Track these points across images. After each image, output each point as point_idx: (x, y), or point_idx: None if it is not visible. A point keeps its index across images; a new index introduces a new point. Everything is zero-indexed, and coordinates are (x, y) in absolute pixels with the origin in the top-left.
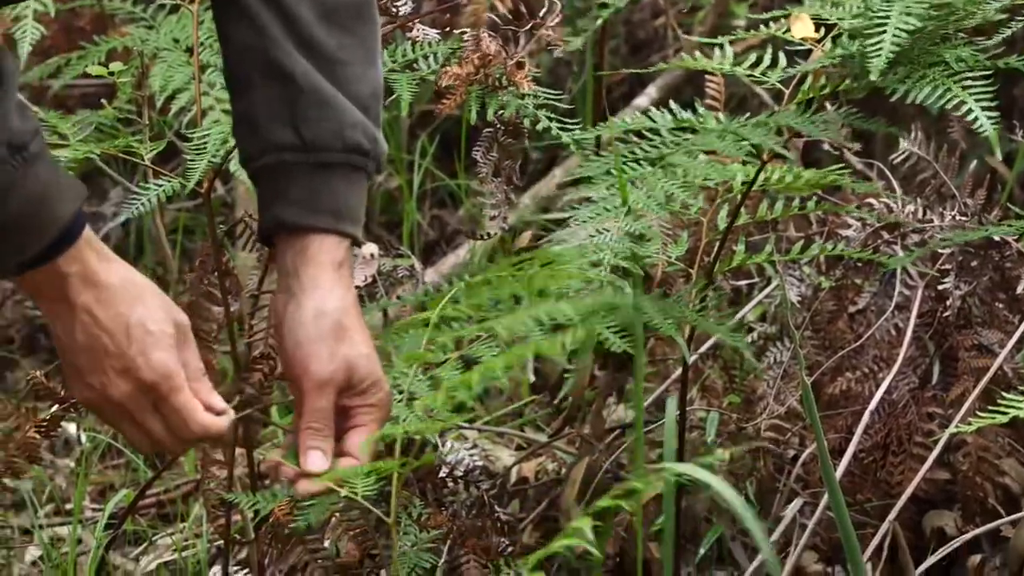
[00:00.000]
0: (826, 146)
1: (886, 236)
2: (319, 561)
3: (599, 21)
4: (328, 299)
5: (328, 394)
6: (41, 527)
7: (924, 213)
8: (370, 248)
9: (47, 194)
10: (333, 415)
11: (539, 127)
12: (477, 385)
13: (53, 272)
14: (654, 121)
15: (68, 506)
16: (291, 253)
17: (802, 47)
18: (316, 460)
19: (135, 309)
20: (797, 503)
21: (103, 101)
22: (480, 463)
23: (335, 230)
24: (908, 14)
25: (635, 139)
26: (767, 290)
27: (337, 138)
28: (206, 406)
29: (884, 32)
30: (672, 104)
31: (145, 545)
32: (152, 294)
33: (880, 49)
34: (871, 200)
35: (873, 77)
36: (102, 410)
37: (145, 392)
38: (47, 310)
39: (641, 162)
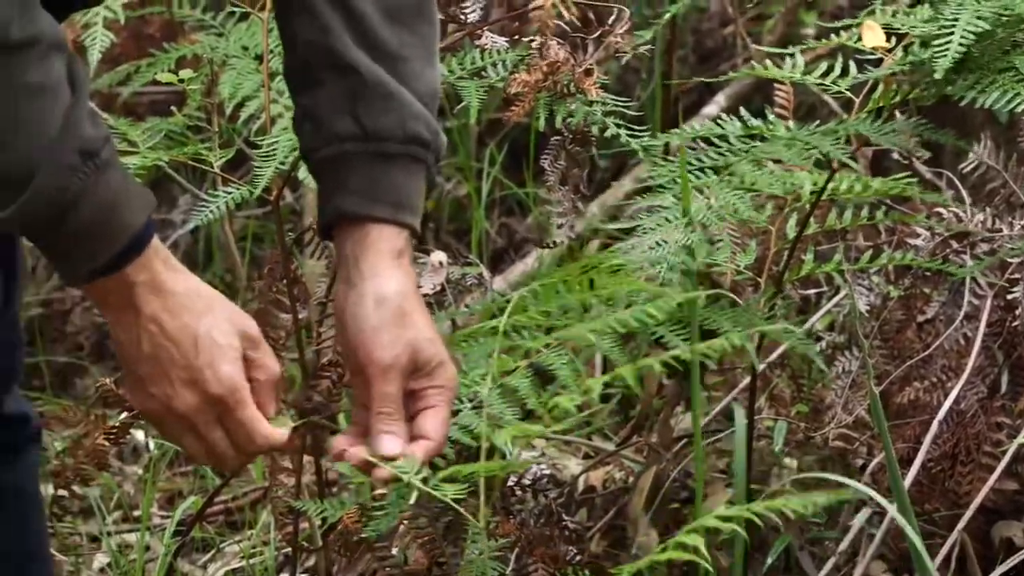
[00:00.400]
0: (895, 155)
1: (955, 245)
2: (387, 569)
3: (666, 16)
4: (387, 285)
5: (394, 379)
6: (109, 534)
7: (993, 222)
8: (438, 256)
9: (118, 201)
10: (402, 400)
11: (607, 134)
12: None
13: (121, 280)
14: (723, 129)
15: (136, 513)
16: (351, 243)
17: (872, 55)
18: (390, 444)
19: (203, 320)
20: (865, 512)
21: (172, 108)
22: (548, 472)
23: (394, 220)
24: (979, 17)
25: (703, 147)
26: (836, 299)
27: (399, 128)
28: (264, 414)
29: (952, 34)
30: (741, 112)
31: (213, 552)
32: (220, 305)
33: (947, 50)
34: (940, 209)
35: (938, 76)
36: (163, 421)
37: (210, 404)
38: (113, 319)
39: (707, 170)
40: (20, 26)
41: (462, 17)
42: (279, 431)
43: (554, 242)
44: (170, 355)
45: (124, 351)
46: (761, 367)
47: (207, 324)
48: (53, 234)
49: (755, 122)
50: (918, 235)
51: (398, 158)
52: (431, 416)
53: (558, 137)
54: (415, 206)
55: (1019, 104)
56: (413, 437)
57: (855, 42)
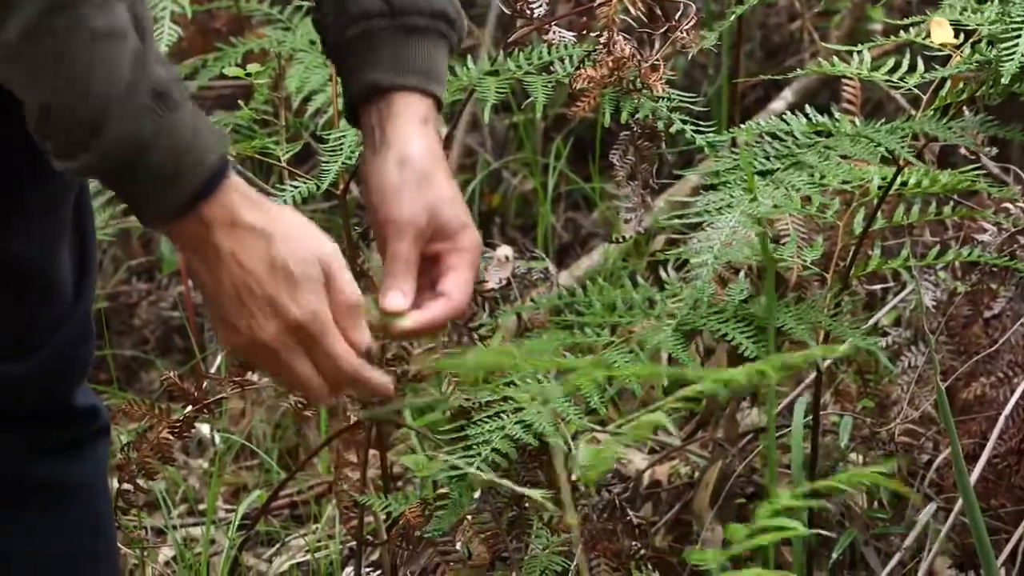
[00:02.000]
0: (962, 150)
1: (1023, 241)
2: (450, 563)
3: (732, 17)
4: (410, 147)
5: (408, 238)
6: (174, 527)
7: None
8: (504, 251)
9: (192, 142)
10: (416, 260)
11: (673, 130)
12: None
13: (199, 220)
14: (788, 124)
15: (201, 506)
16: (375, 114)
17: (939, 52)
18: (395, 299)
19: (279, 249)
20: (931, 508)
21: (240, 102)
22: (612, 466)
23: (421, 88)
24: None
25: (770, 141)
26: (902, 294)
27: (425, 3)
28: (349, 342)
29: (1019, 36)
30: (808, 108)
31: (278, 546)
32: (299, 232)
33: (1014, 53)
34: (1008, 205)
35: (1005, 81)
36: (252, 355)
37: (293, 333)
38: (193, 259)
39: (772, 159)
40: None
41: (529, 12)
42: (374, 369)
43: (623, 237)
44: (248, 286)
45: (206, 290)
46: (827, 362)
47: (284, 252)
48: (128, 179)
49: (821, 119)
50: (985, 230)
51: (425, 32)
52: (452, 277)
53: (627, 132)
54: (441, 77)
55: None
56: (436, 296)
57: (923, 39)
